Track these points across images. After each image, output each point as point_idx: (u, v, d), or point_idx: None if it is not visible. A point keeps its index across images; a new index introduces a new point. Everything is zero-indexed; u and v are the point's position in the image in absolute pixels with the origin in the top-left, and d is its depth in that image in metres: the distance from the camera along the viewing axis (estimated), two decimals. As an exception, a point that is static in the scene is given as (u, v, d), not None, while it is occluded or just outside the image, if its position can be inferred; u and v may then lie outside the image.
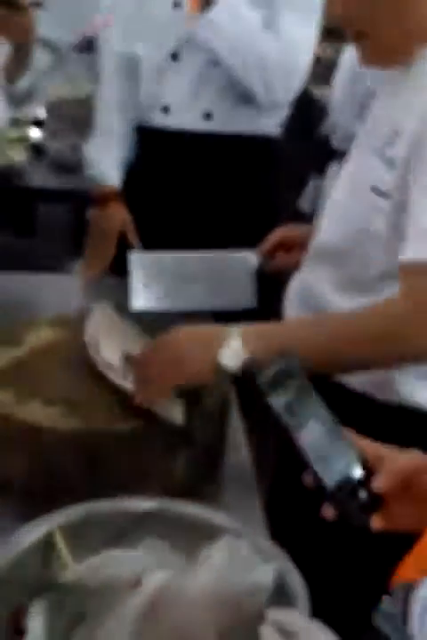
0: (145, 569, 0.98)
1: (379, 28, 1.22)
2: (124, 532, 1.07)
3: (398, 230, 1.20)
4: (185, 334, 1.23)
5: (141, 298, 1.57)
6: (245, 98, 1.88)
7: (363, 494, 0.92)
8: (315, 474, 0.93)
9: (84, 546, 1.04)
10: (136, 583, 0.98)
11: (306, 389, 0.97)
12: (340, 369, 1.27)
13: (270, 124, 1.96)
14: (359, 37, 1.26)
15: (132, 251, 1.64)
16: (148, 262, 1.62)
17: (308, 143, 3.52)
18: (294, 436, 0.94)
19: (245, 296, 1.56)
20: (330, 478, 0.92)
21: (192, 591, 0.94)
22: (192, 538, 1.02)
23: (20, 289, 1.99)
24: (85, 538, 1.05)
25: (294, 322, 1.33)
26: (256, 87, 1.82)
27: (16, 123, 3.11)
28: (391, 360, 1.22)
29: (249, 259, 1.56)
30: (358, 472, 0.93)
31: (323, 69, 3.76)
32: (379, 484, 0.92)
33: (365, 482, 0.92)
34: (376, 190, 1.24)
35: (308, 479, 0.93)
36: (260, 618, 0.94)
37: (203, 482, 1.30)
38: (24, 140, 3.10)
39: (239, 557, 0.98)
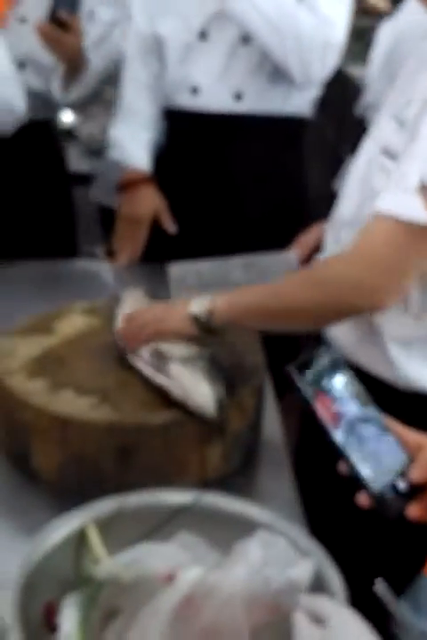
0: (179, 564, 0.99)
1: None
2: (157, 525, 1.07)
3: None
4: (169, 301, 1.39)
5: None
6: (276, 76, 1.85)
7: (401, 484, 0.91)
8: (351, 466, 0.92)
9: (117, 540, 1.04)
10: (170, 578, 0.98)
11: (351, 381, 0.95)
12: (289, 325, 1.33)
13: (303, 102, 1.94)
14: None
15: (170, 263, 1.62)
16: (187, 274, 1.61)
17: (341, 123, 3.51)
18: (328, 429, 0.92)
19: None
20: (375, 475, 0.91)
21: (227, 587, 0.94)
22: (227, 531, 1.02)
23: (52, 275, 2.01)
24: (118, 532, 1.05)
25: (258, 286, 1.37)
26: (292, 64, 1.80)
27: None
28: (329, 317, 1.29)
29: (289, 260, 1.54)
30: (400, 478, 0.91)
31: (359, 46, 3.73)
32: (418, 474, 0.91)
33: (403, 471, 0.92)
34: (386, 152, 1.26)
35: (343, 469, 0.92)
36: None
37: (238, 473, 1.29)
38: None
39: (275, 552, 0.98)
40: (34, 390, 1.27)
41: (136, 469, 1.21)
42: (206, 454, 1.25)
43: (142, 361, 1.31)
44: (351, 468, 0.91)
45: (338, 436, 0.91)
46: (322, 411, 0.92)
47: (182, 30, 1.90)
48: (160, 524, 1.07)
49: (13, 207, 2.17)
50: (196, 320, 1.30)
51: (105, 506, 1.08)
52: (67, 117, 3.26)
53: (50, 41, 1.99)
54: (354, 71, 3.58)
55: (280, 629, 0.95)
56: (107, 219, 2.36)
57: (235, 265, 1.60)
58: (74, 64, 2.05)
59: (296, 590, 0.95)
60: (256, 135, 1.91)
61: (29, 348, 1.38)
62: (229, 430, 1.27)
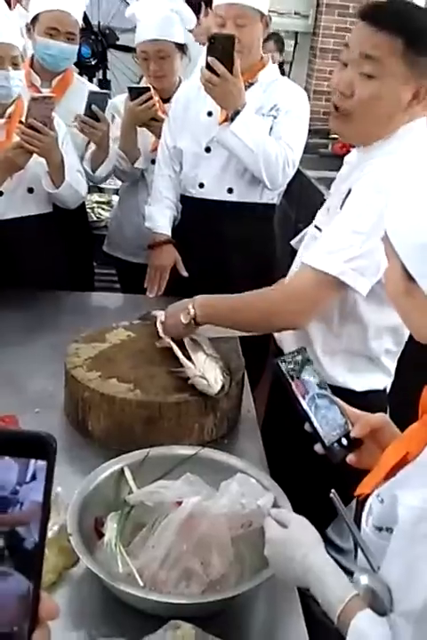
0: (185, 494, 0.99)
1: (363, 113, 1.17)
2: (170, 469, 1.08)
3: None
4: (171, 308, 1.41)
5: None
6: (255, 179, 1.85)
7: (344, 440, 0.92)
8: (312, 426, 0.92)
9: (145, 478, 1.06)
10: (178, 503, 0.99)
11: (314, 370, 0.97)
12: (242, 328, 1.36)
13: (273, 195, 1.95)
14: (345, 115, 1.19)
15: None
16: None
17: (299, 206, 3.53)
18: (299, 401, 0.93)
19: None
20: (327, 432, 0.92)
21: (216, 509, 0.95)
22: (217, 474, 1.03)
23: (105, 304, 2.02)
24: (145, 472, 1.07)
25: (228, 298, 1.35)
26: (263, 177, 1.79)
27: (101, 190, 3.14)
28: (266, 326, 1.32)
29: None
30: (348, 429, 0.93)
31: (311, 156, 3.77)
32: (356, 431, 0.92)
33: (346, 432, 0.93)
34: (317, 228, 1.29)
35: (307, 428, 0.93)
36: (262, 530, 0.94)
37: (225, 437, 1.30)
38: (108, 202, 3.12)
39: (248, 488, 0.98)
40: (91, 378, 1.28)
41: (157, 432, 1.21)
42: (204, 424, 1.26)
43: (177, 345, 1.35)
44: (313, 427, 0.92)
45: (304, 405, 0.93)
46: (296, 388, 0.94)
47: (194, 145, 1.91)
48: (172, 468, 1.08)
49: (54, 253, 2.01)
50: (187, 325, 1.34)
51: (136, 455, 1.10)
52: (116, 198, 3.26)
53: (87, 127, 1.94)
54: (308, 172, 3.62)
55: (252, 538, 0.96)
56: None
57: None
58: (102, 145, 1.99)
59: (262, 512, 0.95)
60: (242, 216, 1.91)
61: (89, 350, 1.39)
62: (219, 408, 1.28)
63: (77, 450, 1.24)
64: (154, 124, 2.07)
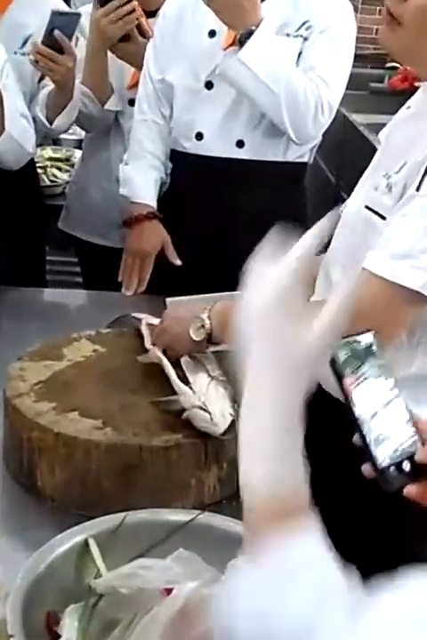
0: (176, 578, 1.00)
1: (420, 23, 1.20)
2: (156, 542, 1.08)
3: None
4: (173, 310, 1.46)
5: None
6: (275, 129, 1.87)
7: (407, 465, 0.91)
8: (363, 438, 0.91)
9: (117, 555, 1.05)
10: (167, 591, 0.99)
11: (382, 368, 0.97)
12: None
13: (302, 150, 1.96)
14: (393, 21, 1.22)
15: (169, 298, 1.67)
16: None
17: (342, 166, 3.54)
18: (351, 402, 0.94)
19: None
20: (383, 449, 0.91)
21: (221, 601, 0.96)
22: (222, 549, 1.01)
23: (61, 304, 2.03)
24: (118, 547, 1.06)
25: None
26: (287, 125, 1.81)
27: (57, 143, 3.15)
28: None
29: None
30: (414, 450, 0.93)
31: (360, 95, 3.79)
32: (422, 456, 0.91)
33: (412, 454, 0.92)
34: (372, 209, 1.28)
35: (356, 440, 0.93)
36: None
37: (235, 494, 1.28)
38: (67, 160, 3.13)
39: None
40: (41, 411, 1.28)
41: (136, 489, 1.22)
42: (204, 478, 1.26)
43: (170, 365, 1.37)
44: (363, 439, 0.91)
45: (356, 409, 0.92)
46: (349, 386, 0.94)
47: (190, 79, 1.93)
48: (158, 541, 1.07)
49: None
50: (199, 343, 1.37)
51: (106, 522, 1.09)
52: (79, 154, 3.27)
53: (45, 60, 1.96)
54: (355, 116, 3.63)
55: None
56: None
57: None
58: (64, 87, 2.02)
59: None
60: (256, 180, 1.92)
61: (38, 371, 1.39)
62: (226, 455, 1.28)
63: (21, 515, 1.24)
64: (132, 46, 2.08)
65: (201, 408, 1.27)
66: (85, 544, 1.07)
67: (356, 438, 0.93)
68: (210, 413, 1.26)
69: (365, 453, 0.92)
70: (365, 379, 0.95)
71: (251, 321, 0.79)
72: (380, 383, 0.96)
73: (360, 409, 0.93)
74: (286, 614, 0.68)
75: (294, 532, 0.72)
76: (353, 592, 0.70)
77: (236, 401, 1.31)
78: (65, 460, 1.24)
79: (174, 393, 1.32)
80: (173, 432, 1.26)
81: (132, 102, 2.13)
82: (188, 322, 1.38)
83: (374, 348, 0.98)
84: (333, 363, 0.94)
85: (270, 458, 0.75)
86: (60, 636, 0.98)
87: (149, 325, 1.49)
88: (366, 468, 0.92)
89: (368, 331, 0.98)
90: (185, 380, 1.34)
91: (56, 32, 1.95)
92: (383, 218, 1.26)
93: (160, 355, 1.40)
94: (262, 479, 0.75)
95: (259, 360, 0.78)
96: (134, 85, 2.12)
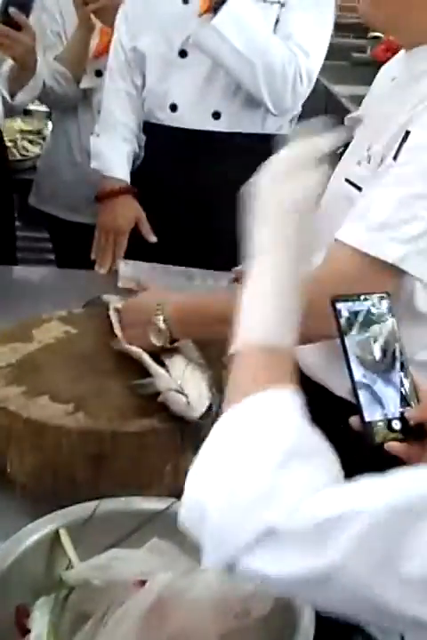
0: (150, 569, 0.99)
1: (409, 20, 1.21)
2: (130, 531, 1.07)
3: None
4: (130, 305, 1.44)
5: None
6: (254, 99, 1.85)
7: (397, 423, 0.92)
8: (356, 395, 0.92)
9: (90, 545, 1.04)
10: (141, 583, 0.98)
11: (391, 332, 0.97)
12: None
13: (281, 123, 1.95)
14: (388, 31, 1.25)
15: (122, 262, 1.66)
16: (135, 272, 1.69)
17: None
18: (349, 362, 0.93)
19: None
20: (371, 409, 0.92)
21: (196, 593, 0.95)
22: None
23: (31, 282, 2.01)
24: (91, 537, 1.05)
25: (219, 301, 1.32)
26: (264, 96, 1.80)
27: (27, 113, 3.11)
28: None
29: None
30: (397, 419, 0.93)
31: (341, 65, 3.77)
32: (413, 414, 0.92)
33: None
34: (350, 182, 1.26)
35: (352, 398, 0.93)
36: (265, 622, 0.94)
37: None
38: (39, 132, 3.09)
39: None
40: (10, 396, 1.26)
41: (110, 476, 1.20)
42: (180, 464, 1.24)
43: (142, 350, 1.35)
44: (355, 393, 0.92)
45: (354, 367, 0.93)
46: (350, 347, 0.93)
47: (163, 47, 1.91)
48: (132, 531, 1.07)
49: None
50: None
51: (78, 511, 1.08)
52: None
53: (1, 38, 1.92)
54: (336, 88, 3.61)
55: (250, 635, 0.96)
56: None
57: (179, 273, 1.62)
58: (25, 65, 1.99)
59: (267, 598, 0.95)
60: (233, 153, 1.91)
61: (7, 354, 1.37)
62: (202, 441, 1.27)
63: (-10, 504, 1.23)
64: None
65: (177, 391, 1.25)
66: (56, 534, 1.05)
67: (349, 392, 0.93)
68: (186, 396, 1.24)
69: (355, 406, 0.92)
70: (367, 337, 0.95)
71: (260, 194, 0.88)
72: (380, 343, 0.96)
73: (356, 365, 0.93)
74: (247, 478, 0.69)
75: (273, 390, 0.74)
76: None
77: (214, 385, 1.29)
78: (35, 446, 1.22)
79: (148, 375, 1.31)
80: (148, 417, 1.25)
81: (98, 73, 2.11)
82: (144, 325, 1.35)
83: (382, 308, 0.97)
84: (336, 320, 0.94)
85: (270, 317, 0.80)
86: (29, 631, 0.97)
87: (117, 310, 1.47)
88: (354, 420, 0.92)
89: (385, 293, 0.98)
90: (161, 363, 1.33)
91: (11, 9, 1.91)
92: (360, 189, 1.25)
93: (128, 347, 1.38)
94: (258, 334, 0.79)
95: (262, 223, 0.85)
96: (100, 55, 2.10)
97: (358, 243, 1.19)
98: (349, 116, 1.62)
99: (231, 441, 0.73)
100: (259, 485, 0.68)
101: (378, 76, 1.50)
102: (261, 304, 0.81)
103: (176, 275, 1.63)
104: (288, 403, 0.74)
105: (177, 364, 1.33)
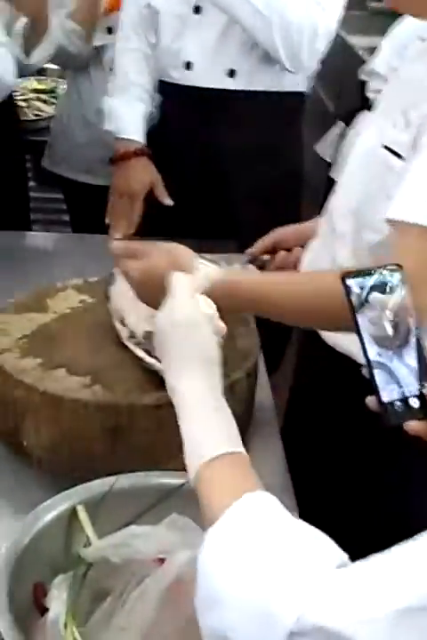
0: (169, 546, 0.99)
1: None
2: (148, 507, 1.07)
3: None
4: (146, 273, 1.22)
5: None
6: (270, 57, 1.83)
7: (415, 401, 0.90)
8: (371, 374, 0.90)
9: (108, 521, 1.05)
10: (160, 560, 0.99)
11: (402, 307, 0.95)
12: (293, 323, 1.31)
13: (298, 80, 1.92)
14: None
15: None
16: None
17: (343, 94, 3.46)
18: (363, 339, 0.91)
19: None
20: (388, 389, 0.90)
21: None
22: None
23: (45, 249, 2.00)
24: (109, 513, 1.06)
25: (268, 280, 1.26)
26: (281, 52, 1.77)
27: (42, 73, 3.07)
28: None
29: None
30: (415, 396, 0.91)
31: (359, 15, 3.70)
32: None
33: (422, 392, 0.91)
34: (389, 148, 1.21)
35: (366, 373, 0.91)
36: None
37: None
38: (52, 91, 3.06)
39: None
40: (26, 368, 1.26)
41: (127, 450, 1.20)
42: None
43: (134, 342, 1.31)
44: (371, 372, 0.90)
45: (367, 344, 0.91)
46: (363, 323, 0.91)
47: (177, 3, 1.89)
48: (150, 506, 1.07)
49: None
50: None
51: (95, 487, 1.08)
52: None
53: None
54: (353, 39, 3.55)
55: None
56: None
57: None
58: (38, 20, 1.96)
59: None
60: (250, 111, 1.89)
61: (22, 325, 1.37)
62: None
63: (6, 478, 1.24)
64: None
65: None
66: (73, 511, 1.06)
67: (365, 371, 0.91)
68: None
69: (371, 386, 0.91)
70: (378, 313, 0.93)
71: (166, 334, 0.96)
72: (391, 318, 0.94)
73: (370, 344, 0.91)
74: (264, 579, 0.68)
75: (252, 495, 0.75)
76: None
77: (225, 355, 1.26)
78: (52, 420, 1.22)
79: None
80: (164, 389, 1.23)
81: (109, 30, 2.09)
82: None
83: (393, 281, 0.95)
84: (347, 297, 0.92)
85: (211, 430, 0.87)
86: (47, 609, 0.97)
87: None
88: (371, 400, 0.91)
89: (396, 265, 0.95)
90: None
91: None
92: (401, 158, 1.19)
93: (127, 343, 1.32)
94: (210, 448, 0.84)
95: (178, 364, 0.95)
96: (111, 11, 2.07)
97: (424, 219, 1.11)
98: (366, 68, 1.58)
99: (234, 554, 0.72)
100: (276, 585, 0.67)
101: (399, 30, 1.46)
102: (202, 424, 0.88)
103: None
104: (275, 503, 0.75)
105: None
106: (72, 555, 1.03)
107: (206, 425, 0.87)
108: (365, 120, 1.40)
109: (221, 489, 0.79)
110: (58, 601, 0.97)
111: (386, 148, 1.22)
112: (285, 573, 0.67)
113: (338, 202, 1.33)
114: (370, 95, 1.59)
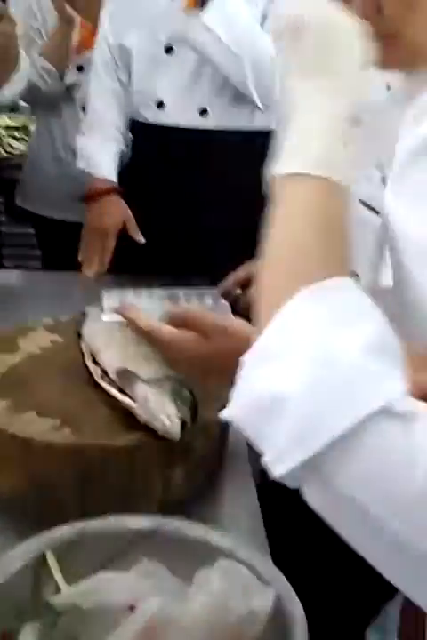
0: (140, 593, 0.97)
1: (415, 26, 1.15)
2: (119, 552, 1.05)
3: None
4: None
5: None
6: (241, 95, 1.86)
7: None
8: None
9: (78, 567, 1.03)
10: (131, 608, 0.97)
11: None
12: None
13: (270, 119, 1.94)
14: (389, 37, 1.17)
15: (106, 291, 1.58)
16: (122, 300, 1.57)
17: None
18: None
19: None
20: None
21: (188, 618, 0.93)
22: (189, 559, 1.01)
23: (16, 287, 1.99)
24: (79, 559, 1.04)
25: None
26: (252, 90, 1.80)
27: (14, 110, 3.08)
28: None
29: (220, 304, 1.47)
30: None
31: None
32: None
33: None
34: (365, 203, 1.22)
35: None
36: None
37: (201, 496, 1.28)
38: (25, 128, 3.06)
39: (237, 581, 0.96)
40: (-5, 410, 1.25)
41: (98, 493, 1.19)
42: (170, 477, 1.24)
43: (107, 381, 1.30)
44: None
45: None
46: None
47: (149, 43, 1.91)
48: (120, 552, 1.05)
49: None
50: None
51: (66, 531, 1.06)
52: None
53: None
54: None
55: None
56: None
57: (163, 296, 1.49)
58: (7, 55, 1.95)
59: (258, 620, 0.94)
60: (222, 151, 1.91)
61: (-8, 366, 1.36)
62: (192, 453, 1.25)
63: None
64: None
65: (152, 417, 1.20)
66: (43, 557, 1.03)
67: None
68: (161, 420, 1.20)
69: None
70: None
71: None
72: None
73: None
74: (338, 364, 0.62)
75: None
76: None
77: (176, 398, 1.25)
78: (21, 463, 1.21)
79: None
80: (135, 430, 1.23)
81: (80, 68, 2.10)
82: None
83: None
84: None
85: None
86: (15, 659, 0.95)
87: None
88: None
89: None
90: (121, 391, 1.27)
91: None
92: (378, 214, 1.19)
93: (100, 381, 1.31)
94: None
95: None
96: (81, 50, 2.09)
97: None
98: None
99: (304, 329, 0.65)
100: (353, 369, 0.61)
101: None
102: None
103: (160, 298, 1.54)
104: (355, 288, 0.69)
105: (138, 390, 1.25)
106: (41, 601, 1.01)
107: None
108: None
109: None
110: (26, 650, 0.96)
111: (362, 202, 1.23)
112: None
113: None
114: None
